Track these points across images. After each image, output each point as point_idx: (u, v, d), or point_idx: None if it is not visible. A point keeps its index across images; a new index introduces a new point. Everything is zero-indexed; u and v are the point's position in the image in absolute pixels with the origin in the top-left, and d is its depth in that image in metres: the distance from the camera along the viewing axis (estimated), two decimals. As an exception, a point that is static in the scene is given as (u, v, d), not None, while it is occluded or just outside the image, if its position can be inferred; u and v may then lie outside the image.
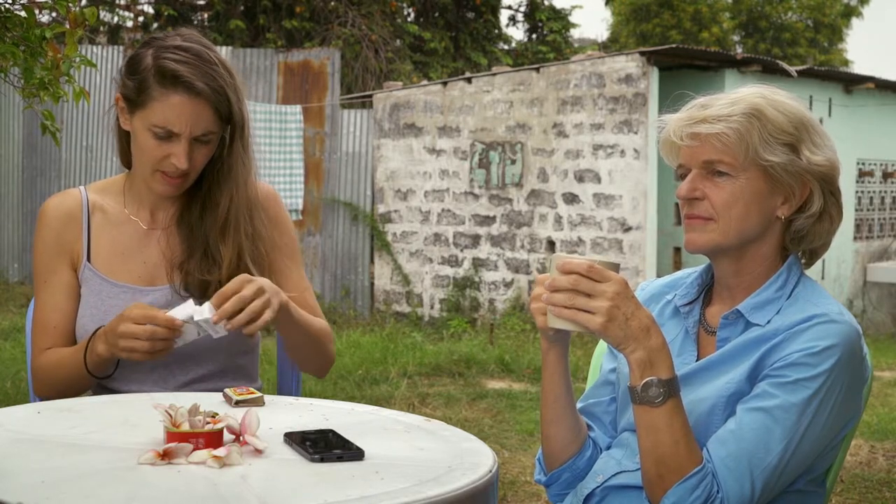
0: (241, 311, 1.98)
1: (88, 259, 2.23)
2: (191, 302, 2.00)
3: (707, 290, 1.87)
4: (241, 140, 2.21)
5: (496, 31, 16.34)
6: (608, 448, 1.89)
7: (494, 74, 9.63)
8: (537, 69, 9.35)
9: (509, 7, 16.89)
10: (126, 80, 2.16)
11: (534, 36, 17.01)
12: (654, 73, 8.65)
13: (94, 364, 2.09)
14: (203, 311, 1.97)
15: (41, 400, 2.18)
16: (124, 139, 2.24)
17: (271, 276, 2.26)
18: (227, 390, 1.92)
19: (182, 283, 2.21)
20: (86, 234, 2.24)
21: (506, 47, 16.77)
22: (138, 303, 2.05)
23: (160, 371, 2.19)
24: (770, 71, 9.34)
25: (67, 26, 2.96)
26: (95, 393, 2.20)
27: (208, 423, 1.57)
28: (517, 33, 46.06)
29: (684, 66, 9.18)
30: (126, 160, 2.27)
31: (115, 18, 14.45)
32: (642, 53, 8.74)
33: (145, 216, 2.27)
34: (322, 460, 1.54)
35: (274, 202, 2.34)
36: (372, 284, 10.31)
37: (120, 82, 2.19)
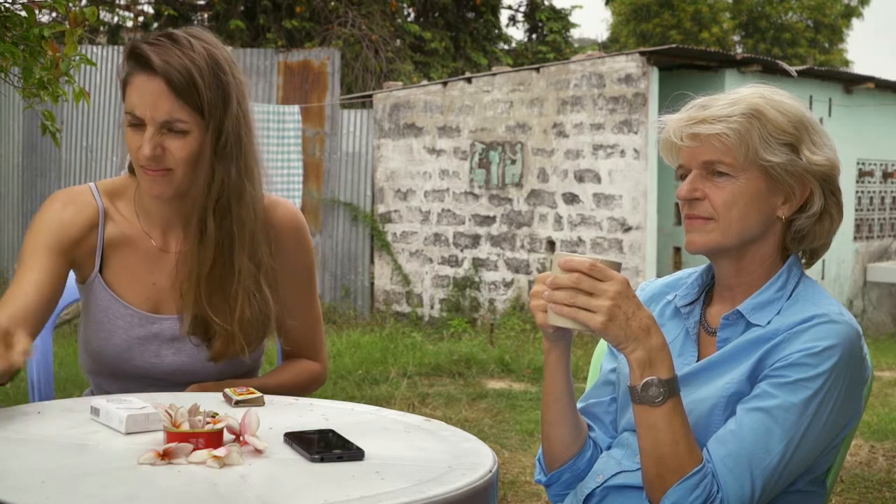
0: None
1: (101, 271, 2.13)
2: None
3: (707, 290, 1.87)
4: (217, 138, 2.02)
5: (496, 31, 16.33)
6: (608, 448, 1.89)
7: (494, 74, 9.63)
8: (537, 69, 9.35)
9: (509, 7, 16.89)
10: (121, 77, 2.06)
11: (534, 36, 17.01)
12: (654, 73, 8.65)
13: None
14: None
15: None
16: None
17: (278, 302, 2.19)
18: (227, 390, 1.91)
19: (189, 329, 2.11)
20: (100, 243, 2.12)
21: (506, 47, 16.77)
22: None
23: (159, 385, 2.14)
24: (770, 71, 9.34)
25: (67, 26, 2.96)
26: (95, 394, 2.19)
27: (208, 423, 1.57)
28: (517, 33, 46.13)
29: (684, 66, 9.18)
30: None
31: (115, 18, 14.45)
32: (642, 53, 8.74)
33: (158, 235, 2.14)
34: (322, 460, 1.54)
35: (294, 229, 2.20)
36: (372, 284, 10.31)
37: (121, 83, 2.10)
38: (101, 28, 14.17)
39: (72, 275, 2.20)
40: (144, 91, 1.98)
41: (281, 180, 9.72)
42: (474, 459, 1.58)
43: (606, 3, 23.11)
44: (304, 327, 2.26)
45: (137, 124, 2.00)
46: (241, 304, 2.09)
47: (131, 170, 2.17)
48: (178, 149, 2.00)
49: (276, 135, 9.72)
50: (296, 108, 9.83)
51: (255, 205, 2.11)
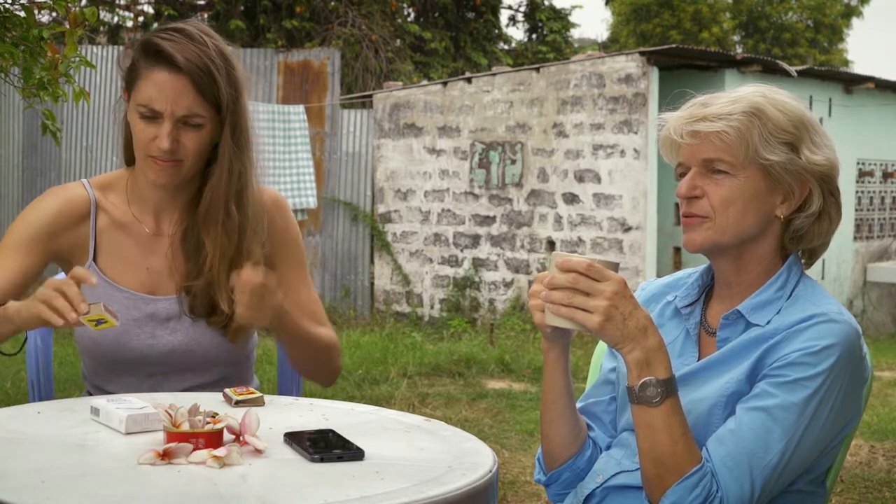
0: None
1: (95, 259, 2.18)
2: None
3: (707, 290, 1.87)
4: (233, 132, 2.12)
5: (496, 31, 16.34)
6: (608, 448, 1.89)
7: (494, 74, 9.64)
8: (537, 69, 9.35)
9: (509, 7, 16.89)
10: (123, 66, 2.13)
11: (534, 36, 17.01)
12: (654, 73, 8.65)
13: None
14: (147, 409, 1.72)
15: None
16: (129, 132, 2.16)
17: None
18: (227, 390, 1.92)
19: (189, 307, 2.16)
20: (92, 233, 2.18)
21: (506, 47, 16.77)
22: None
23: (158, 377, 2.18)
24: (770, 71, 9.34)
25: (67, 26, 2.96)
26: (94, 394, 2.20)
27: (208, 423, 1.58)
28: (517, 33, 46.13)
29: (684, 66, 9.18)
30: (129, 155, 2.20)
31: (115, 18, 14.45)
32: (642, 53, 8.74)
33: (150, 221, 2.21)
34: (322, 460, 1.54)
35: (280, 210, 2.28)
36: (372, 284, 10.31)
37: (123, 72, 2.14)
38: (101, 28, 14.17)
39: None
40: (165, 86, 2.04)
41: (290, 180, 9.60)
42: (474, 459, 1.58)
43: (606, 3, 23.12)
44: (305, 301, 2.29)
45: (151, 117, 2.06)
46: None
47: (129, 163, 2.23)
48: (191, 141, 2.08)
49: (283, 135, 9.63)
50: (301, 108, 9.77)
51: (254, 192, 2.21)
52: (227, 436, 1.60)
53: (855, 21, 23.94)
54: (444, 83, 9.93)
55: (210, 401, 1.84)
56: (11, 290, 2.09)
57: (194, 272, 2.16)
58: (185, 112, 2.05)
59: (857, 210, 10.77)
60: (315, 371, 2.29)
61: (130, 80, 2.10)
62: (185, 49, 2.04)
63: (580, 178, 9.03)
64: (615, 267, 1.62)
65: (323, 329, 2.26)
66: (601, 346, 2.13)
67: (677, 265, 9.51)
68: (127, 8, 14.61)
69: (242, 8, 14.27)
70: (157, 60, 2.05)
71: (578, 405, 1.93)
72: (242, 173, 2.15)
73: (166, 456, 1.51)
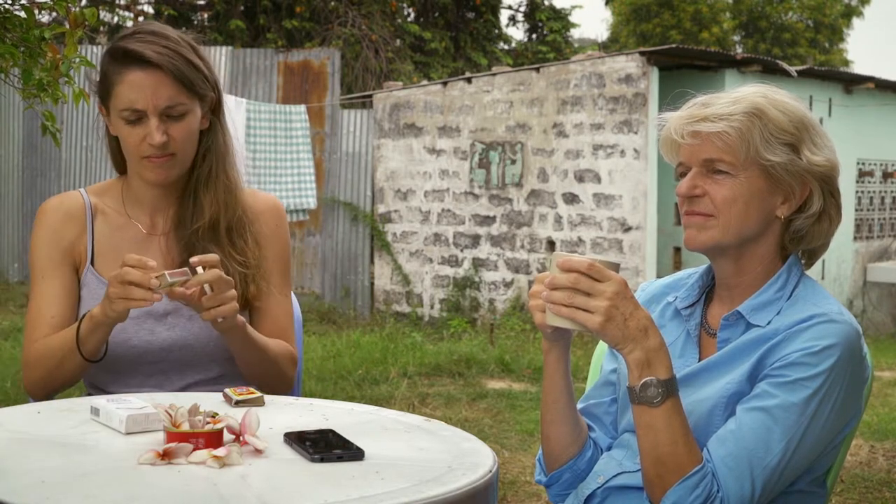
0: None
1: (92, 262, 2.21)
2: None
3: (708, 291, 1.87)
4: (215, 108, 2.21)
5: (496, 31, 16.34)
6: (609, 449, 1.89)
7: (494, 74, 9.64)
8: (537, 69, 9.35)
9: (509, 7, 16.89)
10: (96, 80, 2.16)
11: (534, 36, 17.01)
12: (654, 73, 8.65)
13: (86, 332, 2.03)
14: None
15: (36, 399, 2.19)
16: (114, 144, 2.21)
17: (256, 283, 2.25)
18: (227, 390, 1.92)
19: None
20: (90, 237, 2.21)
21: (506, 47, 16.77)
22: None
23: (157, 377, 2.19)
24: (770, 71, 9.34)
25: (67, 27, 2.96)
26: (93, 395, 2.20)
27: (208, 423, 1.57)
28: (517, 33, 46.14)
29: (684, 66, 9.18)
30: (118, 165, 2.25)
31: (115, 18, 14.45)
32: (642, 53, 8.74)
33: (145, 220, 2.24)
34: (322, 460, 1.54)
35: (275, 211, 2.30)
36: (372, 284, 10.31)
37: (94, 86, 2.18)
38: (101, 28, 14.17)
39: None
40: (143, 84, 2.08)
41: (291, 181, 9.56)
42: (474, 459, 1.58)
43: (606, 3, 23.13)
44: (278, 313, 2.28)
45: (136, 119, 2.10)
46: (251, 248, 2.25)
47: (119, 171, 2.27)
48: (179, 132, 2.12)
49: (285, 135, 9.60)
50: (302, 108, 9.74)
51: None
52: (227, 436, 1.60)
53: (855, 21, 23.95)
54: (444, 83, 9.93)
55: (210, 401, 1.84)
56: (68, 312, 2.17)
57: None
58: (167, 103, 2.08)
59: (857, 210, 10.77)
60: (262, 378, 2.21)
61: (105, 91, 2.13)
62: (151, 44, 2.08)
63: (580, 178, 9.03)
64: (616, 267, 1.62)
65: (274, 342, 2.21)
66: (601, 347, 2.13)
67: (677, 265, 9.52)
68: (127, 8, 14.60)
69: (242, 8, 14.27)
70: (127, 62, 2.08)
71: (579, 406, 1.93)
72: (229, 142, 2.24)
73: (166, 456, 1.51)
